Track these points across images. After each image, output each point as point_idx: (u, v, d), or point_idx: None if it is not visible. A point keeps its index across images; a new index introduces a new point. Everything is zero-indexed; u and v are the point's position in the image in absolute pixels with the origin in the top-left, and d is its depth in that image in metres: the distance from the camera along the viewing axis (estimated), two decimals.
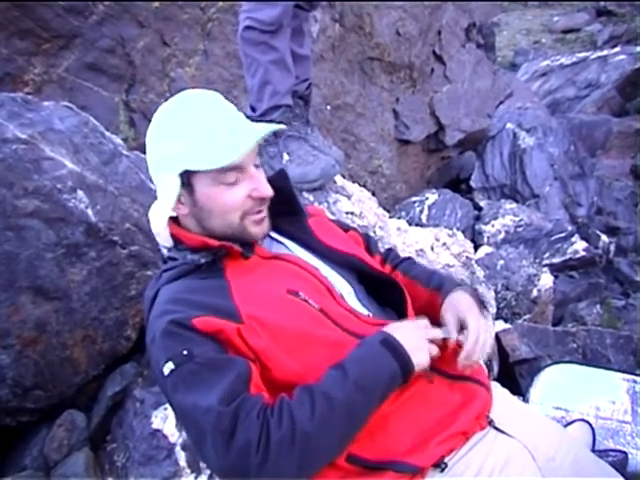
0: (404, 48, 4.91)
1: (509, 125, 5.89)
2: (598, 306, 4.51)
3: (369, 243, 2.28)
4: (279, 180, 1.95)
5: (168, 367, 1.63)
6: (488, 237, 4.62)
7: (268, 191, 1.83)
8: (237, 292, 1.76)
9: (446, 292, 2.02)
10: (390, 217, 3.12)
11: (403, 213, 4.54)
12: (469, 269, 2.96)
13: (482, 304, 2.03)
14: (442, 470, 1.71)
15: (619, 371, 3.35)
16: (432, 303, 2.04)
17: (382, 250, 2.34)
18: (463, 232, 4.40)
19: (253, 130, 1.81)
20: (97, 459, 2.47)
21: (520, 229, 4.68)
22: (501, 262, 3.99)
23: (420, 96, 5.10)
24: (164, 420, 2.24)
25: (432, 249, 2.94)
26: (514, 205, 5.03)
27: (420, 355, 1.72)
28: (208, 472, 2.03)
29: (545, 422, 2.06)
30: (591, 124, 7.86)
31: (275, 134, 3.00)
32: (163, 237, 1.92)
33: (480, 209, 5.05)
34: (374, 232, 2.85)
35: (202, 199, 1.82)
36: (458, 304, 1.94)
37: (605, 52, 9.89)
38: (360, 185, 3.35)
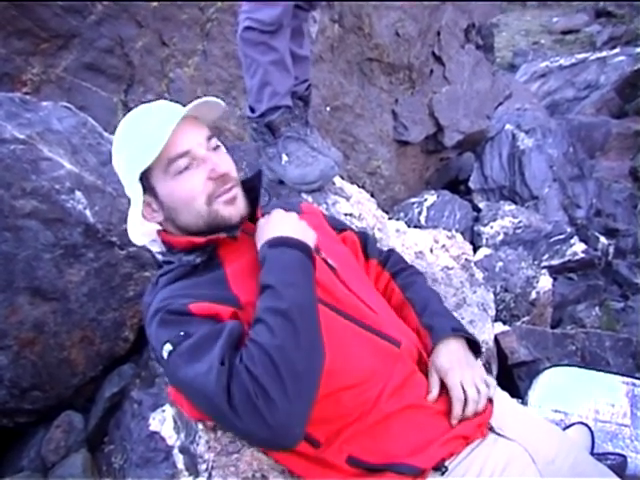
0: (403, 49, 4.90)
1: (508, 126, 5.89)
2: (597, 308, 4.51)
3: (366, 245, 2.26)
4: (252, 180, 1.95)
5: (166, 349, 1.64)
6: (487, 239, 4.62)
7: (225, 168, 1.82)
8: (234, 279, 1.78)
9: (436, 337, 2.00)
10: (389, 218, 3.10)
11: (402, 214, 4.53)
12: (468, 271, 2.95)
13: (476, 346, 2.03)
14: (442, 473, 1.72)
15: (618, 374, 3.35)
16: (420, 335, 2.04)
17: (383, 251, 2.33)
18: (462, 234, 4.39)
19: (177, 113, 1.79)
20: (95, 460, 2.47)
21: (519, 231, 4.67)
22: (500, 264, 3.99)
23: (419, 97, 5.09)
24: (162, 422, 2.23)
25: (431, 251, 2.93)
26: (513, 207, 5.02)
27: (304, 234, 1.79)
28: (206, 475, 2.02)
29: (544, 425, 2.07)
30: (590, 125, 7.85)
31: (274, 135, 2.98)
32: (155, 244, 1.94)
33: (479, 210, 5.05)
34: (373, 234, 2.84)
35: (164, 197, 1.82)
36: (440, 363, 1.92)
37: (604, 53, 9.89)
38: (359, 186, 3.34)
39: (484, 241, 4.60)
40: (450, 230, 3.78)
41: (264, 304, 1.64)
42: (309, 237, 1.79)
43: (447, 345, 1.98)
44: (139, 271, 2.62)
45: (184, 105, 1.83)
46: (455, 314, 2.60)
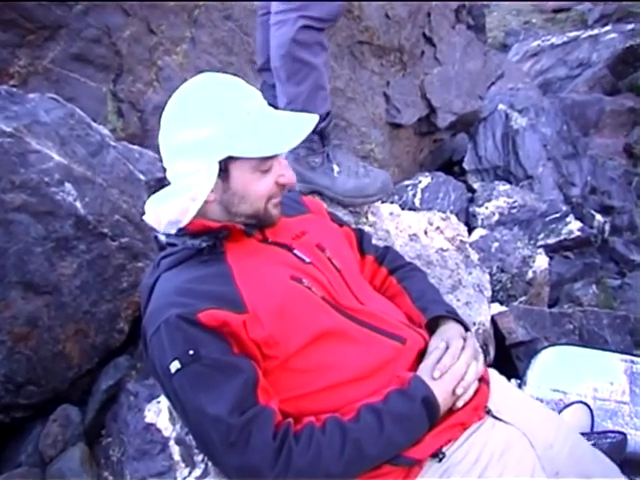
0: (394, 31, 4.87)
1: (501, 106, 5.87)
2: (594, 286, 4.50)
3: (362, 241, 2.27)
4: None
5: (174, 366, 1.64)
6: (482, 219, 4.60)
7: (294, 178, 1.88)
8: (239, 277, 1.77)
9: (430, 314, 2.05)
10: (382, 202, 3.08)
11: (396, 197, 4.51)
12: (463, 252, 2.94)
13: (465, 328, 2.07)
14: (440, 460, 1.74)
15: (616, 352, 3.35)
16: (414, 317, 2.08)
17: (379, 248, 2.33)
18: (457, 215, 4.38)
19: (299, 120, 1.84)
20: (93, 454, 2.46)
21: (514, 210, 4.66)
22: (496, 244, 3.98)
23: (411, 79, 5.06)
24: (157, 414, 2.22)
25: (426, 233, 2.92)
26: (507, 187, 5.00)
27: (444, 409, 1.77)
28: (202, 466, 2.02)
29: (542, 410, 2.08)
30: (583, 103, 7.82)
31: (323, 143, 2.87)
32: (164, 224, 1.87)
33: (473, 191, 5.03)
34: (366, 218, 2.84)
35: (237, 186, 1.81)
36: (440, 332, 1.99)
37: (596, 31, 9.83)
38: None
39: (479, 222, 4.58)
40: (445, 212, 3.78)
41: (361, 431, 1.67)
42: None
43: (444, 323, 2.03)
44: (132, 262, 2.61)
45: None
46: (451, 296, 2.61)
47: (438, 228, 3.01)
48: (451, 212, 4.33)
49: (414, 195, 4.53)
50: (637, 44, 9.22)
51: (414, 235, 2.86)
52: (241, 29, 4.18)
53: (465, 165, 5.61)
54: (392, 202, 4.15)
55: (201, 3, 4.02)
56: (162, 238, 1.93)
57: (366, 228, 2.81)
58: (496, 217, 4.60)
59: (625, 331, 3.74)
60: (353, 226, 2.31)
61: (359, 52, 4.74)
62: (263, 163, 1.80)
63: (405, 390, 1.74)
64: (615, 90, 8.86)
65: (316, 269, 1.89)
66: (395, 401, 1.72)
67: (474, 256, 2.97)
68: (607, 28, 9.86)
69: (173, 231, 1.88)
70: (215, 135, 1.76)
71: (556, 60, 9.31)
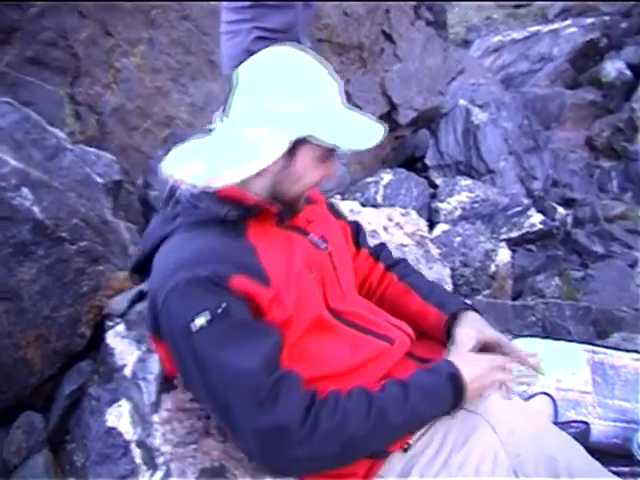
0: (352, 28, 4.88)
1: (462, 102, 5.89)
2: (557, 278, 4.54)
3: (358, 234, 2.27)
4: None
5: (201, 320, 1.60)
6: (445, 214, 4.61)
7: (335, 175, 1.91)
8: (263, 256, 1.76)
9: (451, 308, 2.08)
10: (344, 199, 3.09)
11: (358, 194, 4.51)
12: (423, 247, 2.96)
13: None
14: (405, 450, 1.76)
15: (579, 342, 3.36)
16: (424, 315, 2.11)
17: (375, 244, 2.34)
18: (419, 211, 4.40)
19: (371, 122, 1.80)
20: (57, 460, 2.44)
21: (476, 205, 4.68)
22: (458, 239, 3.99)
23: (371, 76, 5.08)
24: (119, 417, 2.21)
25: (385, 230, 2.93)
26: (469, 181, 5.02)
27: (474, 399, 1.81)
28: (164, 468, 2.01)
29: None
30: (545, 97, 7.90)
31: None
32: (194, 181, 1.77)
33: (436, 187, 5.05)
34: None
35: (298, 168, 1.79)
36: (478, 328, 2.05)
37: (557, 25, 9.94)
38: None
39: (442, 217, 4.59)
40: (407, 208, 3.79)
41: (386, 400, 1.69)
42: (473, 401, 1.81)
43: (468, 315, 2.08)
44: (91, 266, 2.59)
45: None
46: None
47: (398, 224, 3.02)
48: (413, 208, 4.34)
49: (376, 192, 4.53)
50: (597, 38, 9.31)
51: (374, 231, 2.87)
52: (199, 29, 4.17)
53: (427, 161, 5.62)
54: (354, 199, 4.15)
55: (158, 4, 4.00)
56: (182, 194, 1.83)
57: None
58: (459, 212, 4.61)
59: (588, 322, 3.78)
60: (349, 219, 2.29)
61: (318, 50, 4.74)
62: (328, 155, 1.79)
63: (431, 367, 1.78)
64: (576, 84, 8.95)
65: (324, 259, 1.92)
66: (421, 375, 1.75)
67: (434, 251, 2.99)
68: (567, 22, 9.96)
69: (197, 190, 1.80)
70: (304, 113, 1.73)
71: (517, 55, 9.39)
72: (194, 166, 1.79)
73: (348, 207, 3.00)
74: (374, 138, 1.76)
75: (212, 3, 3.53)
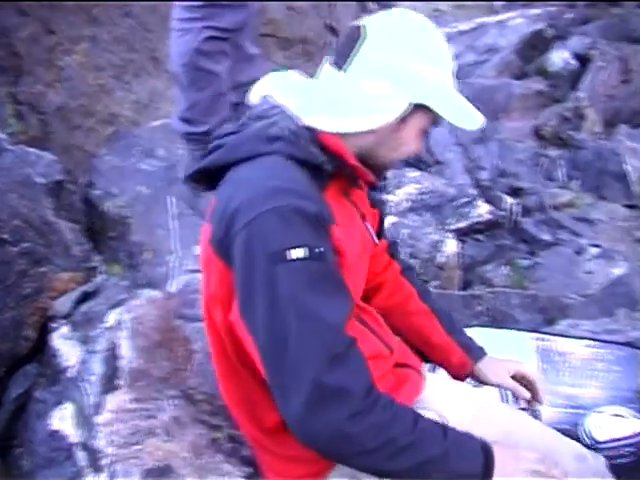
0: (297, 22, 4.88)
1: None
2: (505, 267, 4.57)
3: (382, 223, 2.27)
4: None
5: (298, 253, 1.54)
6: (393, 207, 4.62)
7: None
8: (337, 218, 1.71)
9: (477, 355, 2.33)
10: None
11: None
12: None
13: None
14: None
15: (526, 330, 3.40)
16: (448, 352, 2.26)
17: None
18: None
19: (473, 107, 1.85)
20: (5, 465, 2.42)
21: (424, 196, 4.68)
22: (406, 231, 4.01)
23: (317, 70, 5.06)
24: (63, 420, 2.20)
25: None
26: (417, 173, 5.03)
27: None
28: (109, 470, 2.00)
29: (456, 385, 2.12)
30: (492, 88, 7.92)
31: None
32: (301, 114, 1.77)
33: (384, 179, 5.04)
34: None
35: (406, 134, 1.82)
36: (514, 370, 2.33)
37: (503, 16, 9.98)
38: None
39: (390, 209, 4.60)
40: None
41: (428, 424, 1.66)
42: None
43: (491, 360, 2.35)
44: (34, 267, 2.58)
45: None
46: None
47: None
48: None
49: None
50: (543, 28, 9.39)
51: None
52: (141, 26, 4.14)
53: None
54: None
55: (100, 2, 3.97)
56: (282, 120, 1.75)
57: None
58: (406, 204, 4.62)
59: (535, 309, 3.82)
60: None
61: (264, 45, 4.73)
62: (429, 127, 1.85)
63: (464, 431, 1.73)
64: (523, 74, 9.00)
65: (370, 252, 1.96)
66: (457, 431, 1.70)
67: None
68: (514, 13, 10.00)
69: (296, 126, 1.76)
70: (430, 80, 1.76)
71: (464, 47, 9.40)
72: (300, 100, 1.79)
73: None
74: (478, 122, 1.81)
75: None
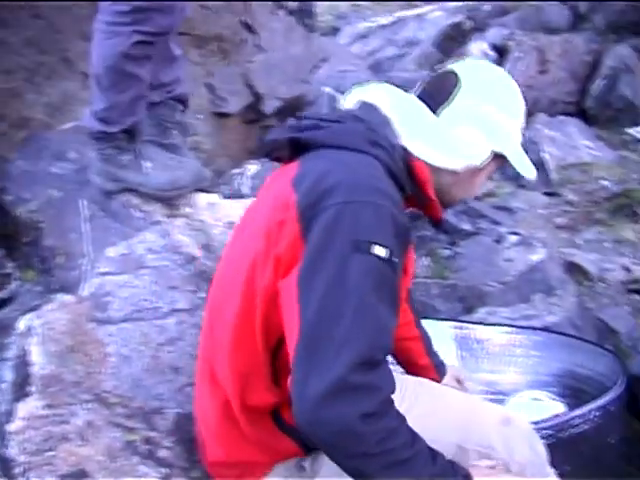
0: (211, 20, 4.85)
1: (327, 89, 5.91)
2: (427, 258, 4.61)
3: None
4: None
5: (380, 251, 1.60)
6: None
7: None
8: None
9: (442, 373, 2.63)
10: (206, 191, 3.07)
11: (225, 186, 4.49)
12: None
13: None
14: None
15: (445, 319, 3.45)
16: (427, 371, 2.53)
17: None
18: None
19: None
20: None
21: None
22: None
23: (234, 68, 5.05)
24: None
25: None
26: None
27: None
28: (23, 478, 1.97)
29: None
30: (412, 81, 7.86)
31: (133, 140, 2.84)
32: (407, 139, 1.90)
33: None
34: (182, 209, 2.83)
35: (479, 178, 2.01)
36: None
37: (422, 10, 10.09)
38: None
39: None
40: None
41: (423, 446, 1.67)
42: None
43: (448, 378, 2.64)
44: None
45: None
46: None
47: None
48: None
49: (242, 183, 4.51)
50: (462, 21, 9.50)
51: (231, 223, 2.85)
52: (52, 27, 4.07)
53: None
54: (222, 191, 4.13)
55: (6, 3, 3.89)
56: (384, 131, 1.89)
57: (181, 220, 2.80)
58: None
59: (455, 298, 3.87)
60: None
61: (179, 43, 4.70)
62: (492, 173, 2.08)
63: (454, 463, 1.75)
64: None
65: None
66: (444, 457, 1.72)
67: None
68: (432, 7, 10.11)
69: (396, 141, 1.89)
70: (513, 131, 1.99)
71: (385, 40, 9.49)
72: (404, 120, 1.91)
73: (206, 200, 2.98)
74: (534, 172, 2.02)
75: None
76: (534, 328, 3.42)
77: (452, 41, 9.40)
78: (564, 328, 3.58)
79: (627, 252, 5.24)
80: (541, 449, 2.12)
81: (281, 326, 1.71)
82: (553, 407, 3.05)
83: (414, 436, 1.64)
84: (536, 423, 2.58)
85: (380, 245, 1.60)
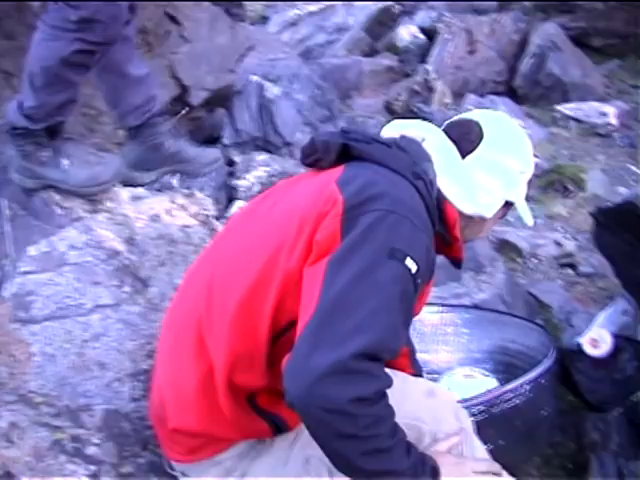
0: None
1: (254, 78, 5.87)
2: None
3: None
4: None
5: (412, 265, 1.68)
6: (243, 191, 4.62)
7: None
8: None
9: None
10: (128, 186, 3.04)
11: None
12: (207, 226, 2.96)
13: None
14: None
15: None
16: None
17: None
18: (218, 190, 4.41)
19: None
20: None
21: (274, 179, 4.67)
22: None
23: (159, 60, 4.99)
24: None
25: (169, 213, 2.90)
26: (266, 156, 5.04)
27: None
28: None
29: None
30: (343, 67, 8.01)
31: (52, 137, 2.82)
32: (445, 185, 2.01)
33: (233, 164, 5.05)
34: (104, 204, 2.80)
35: (489, 222, 2.16)
36: None
37: None
38: None
39: (241, 194, 4.60)
40: (204, 189, 3.78)
41: (403, 438, 1.72)
42: None
43: None
44: None
45: None
46: None
47: (182, 206, 3.00)
48: (212, 187, 4.36)
49: (171, 176, 4.48)
50: (390, 5, 9.54)
51: (155, 216, 2.83)
52: None
53: (225, 140, 5.59)
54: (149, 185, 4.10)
55: None
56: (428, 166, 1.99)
57: (104, 215, 2.77)
58: (257, 187, 4.63)
59: None
60: None
61: None
62: (500, 218, 2.23)
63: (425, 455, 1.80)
64: (373, 51, 9.14)
65: None
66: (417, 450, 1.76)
67: (220, 228, 3.00)
68: None
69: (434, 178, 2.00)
70: (524, 181, 2.15)
71: (314, 27, 9.47)
72: (441, 161, 2.01)
73: (128, 194, 2.96)
74: (532, 219, 2.20)
75: None
76: (464, 306, 3.46)
77: (381, 26, 9.44)
78: (494, 305, 3.64)
79: (559, 227, 5.34)
80: (466, 419, 2.16)
81: (294, 310, 1.73)
82: (486, 383, 3.09)
83: (396, 427, 1.68)
84: (469, 400, 2.62)
85: (413, 260, 1.68)
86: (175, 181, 4.30)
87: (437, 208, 1.95)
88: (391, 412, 1.65)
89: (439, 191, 1.98)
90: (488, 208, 2.07)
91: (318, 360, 1.54)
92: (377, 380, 1.60)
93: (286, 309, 1.79)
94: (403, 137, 2.07)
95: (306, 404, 1.56)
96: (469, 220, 2.07)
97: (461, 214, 2.03)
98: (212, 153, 3.54)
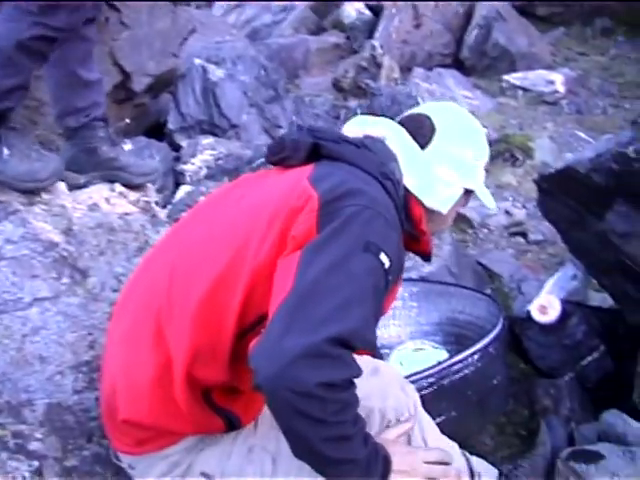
0: None
1: (197, 61, 5.84)
2: None
3: None
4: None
5: (385, 260, 1.69)
6: (190, 176, 4.60)
7: None
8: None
9: None
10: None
11: None
12: (149, 212, 2.93)
13: None
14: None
15: None
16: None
17: None
18: (165, 176, 4.38)
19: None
20: None
21: (220, 162, 4.68)
22: (202, 198, 3.99)
23: (100, 47, 4.93)
24: None
25: (107, 201, 2.87)
26: (211, 139, 5.03)
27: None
28: None
29: None
30: (289, 46, 8.00)
31: None
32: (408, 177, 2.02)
33: (179, 149, 5.03)
34: (41, 197, 2.75)
35: (451, 212, 2.13)
36: None
37: None
38: (53, 150, 3.32)
39: (188, 179, 4.58)
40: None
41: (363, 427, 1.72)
42: None
43: None
44: None
45: None
46: (138, 258, 2.59)
47: (121, 193, 2.96)
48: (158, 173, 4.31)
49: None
50: None
51: (94, 205, 2.80)
52: None
53: (170, 125, 5.56)
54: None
55: None
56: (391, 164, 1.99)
57: (41, 207, 2.73)
58: (204, 171, 4.61)
59: None
60: None
61: None
62: (462, 207, 2.25)
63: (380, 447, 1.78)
64: (320, 29, 9.13)
65: None
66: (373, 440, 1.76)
67: (162, 214, 2.97)
68: None
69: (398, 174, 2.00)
70: (481, 169, 2.16)
71: (259, 8, 9.43)
72: (404, 159, 2.02)
73: (66, 185, 2.92)
74: (494, 203, 2.23)
75: None
76: (412, 279, 3.45)
77: (327, 3, 9.41)
78: (442, 277, 3.64)
79: (508, 196, 5.38)
80: (412, 391, 2.17)
81: (262, 305, 1.71)
82: (436, 355, 3.10)
83: (358, 416, 1.68)
84: (418, 373, 2.63)
85: (386, 255, 1.70)
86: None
87: (404, 206, 1.98)
88: (357, 400, 1.65)
89: (405, 188, 2.00)
90: (449, 200, 2.08)
91: (291, 342, 1.52)
92: (349, 367, 1.60)
93: (254, 304, 1.76)
94: (367, 137, 2.07)
95: (276, 385, 1.53)
96: (432, 214, 2.07)
97: (425, 209, 2.04)
98: (150, 164, 3.55)
